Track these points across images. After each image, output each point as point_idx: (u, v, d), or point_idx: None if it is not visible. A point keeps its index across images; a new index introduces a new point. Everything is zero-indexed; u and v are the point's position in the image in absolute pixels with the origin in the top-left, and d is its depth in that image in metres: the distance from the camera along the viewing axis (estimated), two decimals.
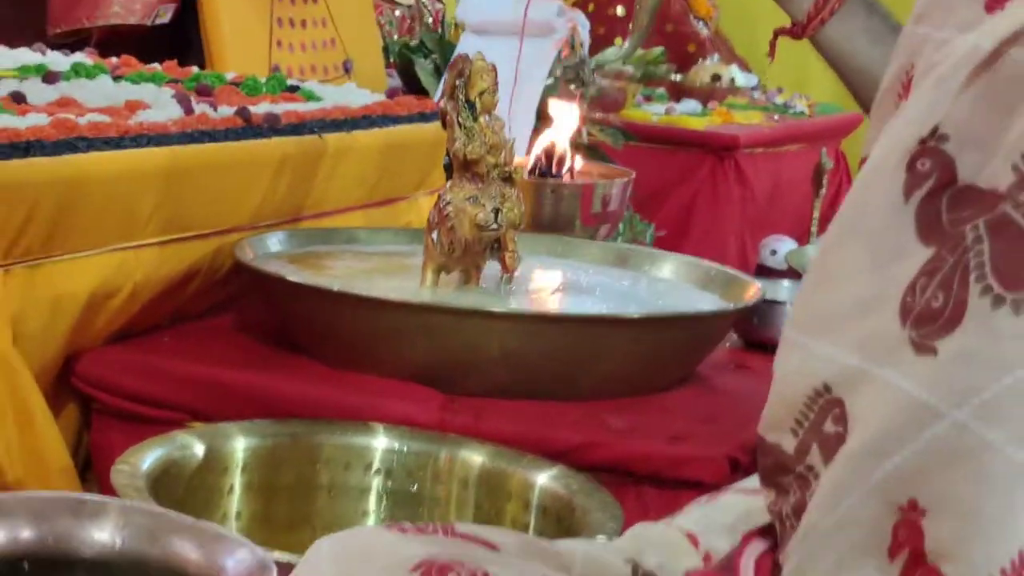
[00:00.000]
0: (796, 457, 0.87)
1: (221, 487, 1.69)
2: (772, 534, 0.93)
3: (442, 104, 2.00)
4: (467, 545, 1.09)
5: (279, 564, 1.20)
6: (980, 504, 0.76)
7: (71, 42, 3.47)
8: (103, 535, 0.89)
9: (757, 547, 0.96)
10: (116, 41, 3.49)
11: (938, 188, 0.81)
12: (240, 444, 1.69)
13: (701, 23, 5.44)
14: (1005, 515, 0.75)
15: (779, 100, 4.81)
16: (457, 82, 1.99)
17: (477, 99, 1.99)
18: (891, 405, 0.79)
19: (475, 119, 1.98)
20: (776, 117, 4.46)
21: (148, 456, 1.59)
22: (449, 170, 2.01)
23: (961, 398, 0.76)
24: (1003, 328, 0.76)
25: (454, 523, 1.15)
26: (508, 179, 2.01)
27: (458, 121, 1.98)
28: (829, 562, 0.81)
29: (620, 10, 5.40)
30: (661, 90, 4.61)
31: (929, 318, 0.78)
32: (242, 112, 2.17)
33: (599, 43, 5.29)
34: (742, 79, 5.19)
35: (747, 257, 3.95)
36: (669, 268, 2.22)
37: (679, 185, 3.91)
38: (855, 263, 0.84)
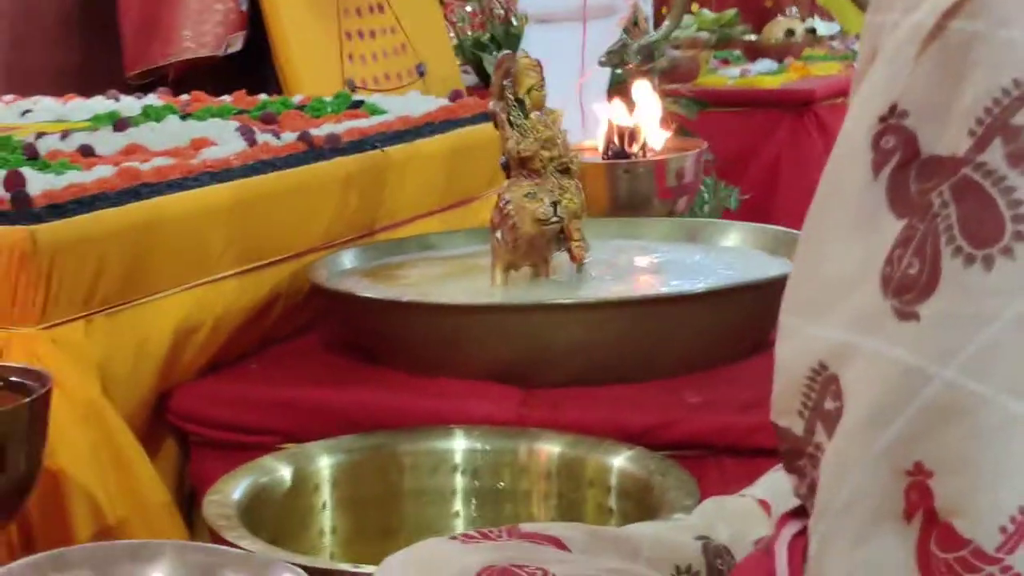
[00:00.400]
0: (805, 438, 0.89)
1: (313, 505, 1.75)
2: (805, 514, 0.96)
3: (491, 105, 2.04)
4: (529, 546, 1.13)
5: None
6: (980, 457, 0.78)
7: (150, 81, 3.57)
8: None
9: (791, 529, 0.99)
10: (193, 74, 3.58)
11: (904, 162, 0.84)
12: (326, 462, 1.75)
13: None
14: (1005, 465, 0.78)
15: (857, 47, 4.78)
16: (504, 81, 2.03)
17: (526, 96, 2.02)
18: (882, 375, 0.81)
19: (526, 116, 2.02)
20: (856, 64, 4.42)
21: (238, 485, 1.65)
22: (507, 168, 2.04)
23: (947, 357, 0.79)
24: (976, 285, 0.79)
25: (520, 524, 1.19)
26: (565, 171, 2.04)
27: (509, 120, 2.02)
28: (849, 536, 0.84)
29: None
30: (737, 52, 4.61)
31: (908, 286, 0.81)
32: (304, 136, 2.23)
33: (662, 20, 5.31)
34: (823, 28, 5.16)
35: None
36: (737, 237, 2.25)
37: (761, 146, 3.91)
38: (835, 242, 0.87)
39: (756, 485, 1.34)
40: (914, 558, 0.81)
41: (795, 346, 0.90)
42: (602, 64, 2.58)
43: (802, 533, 0.96)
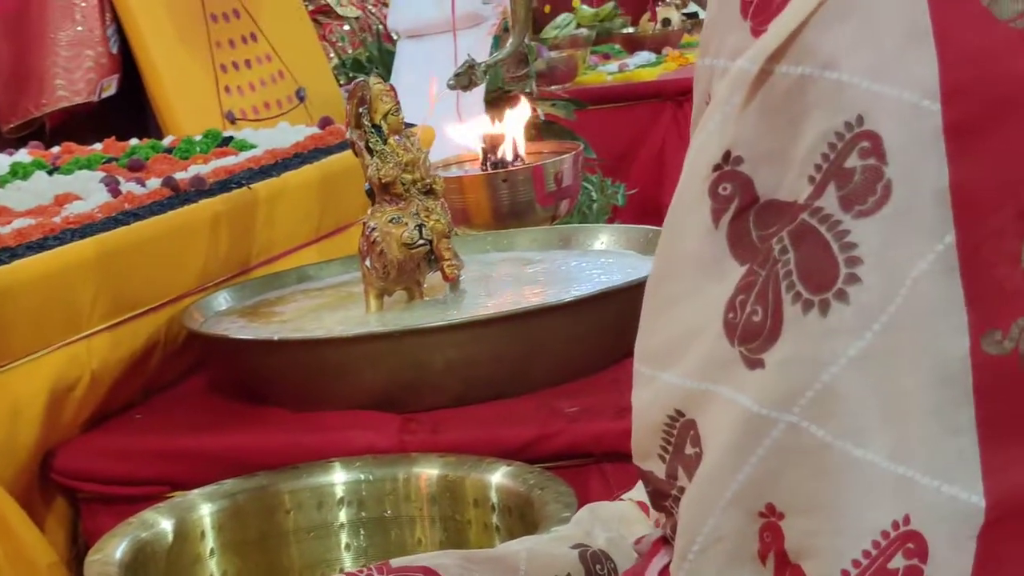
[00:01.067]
0: (668, 481, 0.91)
1: (200, 554, 1.74)
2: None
3: (348, 134, 2.04)
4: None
5: None
6: (824, 499, 0.80)
7: (30, 132, 3.55)
8: None
9: (661, 560, 1.00)
10: (72, 122, 3.56)
11: (743, 208, 0.85)
12: (207, 509, 1.75)
13: None
14: (847, 508, 0.80)
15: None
16: (360, 109, 2.04)
17: (383, 121, 2.03)
18: (732, 420, 0.83)
19: (384, 141, 2.03)
20: None
21: (120, 543, 1.65)
22: (371, 196, 2.05)
23: (789, 402, 0.80)
24: (814, 330, 0.80)
25: (391, 560, 1.20)
26: (430, 192, 2.05)
27: (368, 147, 2.02)
28: None
29: None
30: (617, 46, 4.64)
31: (753, 333, 0.82)
32: (168, 181, 2.22)
33: (558, 8, 5.34)
34: (703, 13, 5.20)
35: None
36: (609, 239, 2.27)
37: (645, 139, 3.94)
38: (681, 291, 0.88)
39: (635, 488, 1.35)
40: None
41: (650, 394, 0.91)
42: (451, 87, 2.59)
43: (668, 568, 0.97)
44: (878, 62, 0.80)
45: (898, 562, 0.79)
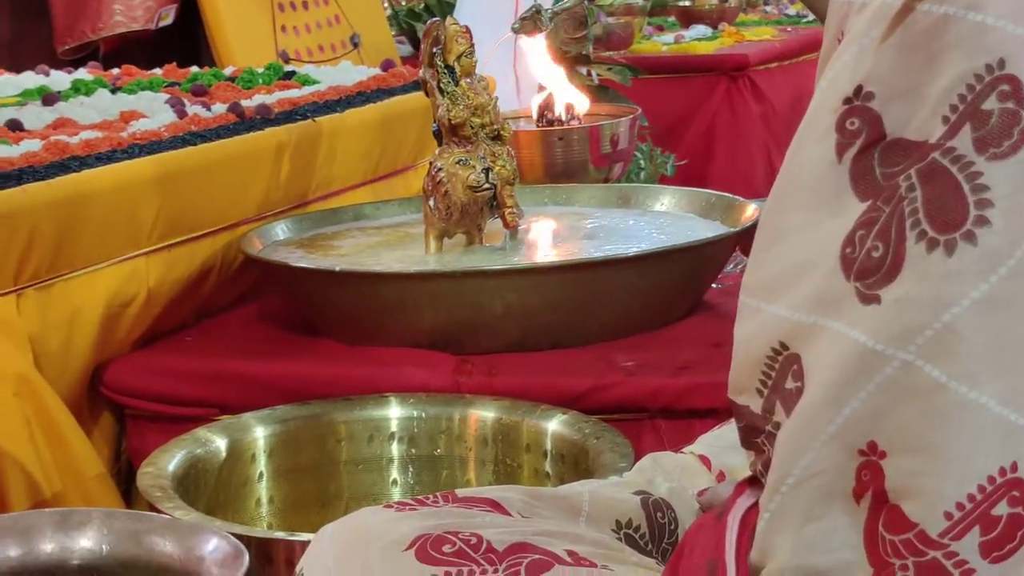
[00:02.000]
0: (763, 416, 0.90)
1: (250, 475, 1.75)
2: (761, 486, 0.97)
3: (421, 73, 2.03)
4: (464, 511, 1.14)
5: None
6: (932, 439, 0.79)
7: (82, 56, 3.54)
8: (89, 543, 0.94)
9: (746, 501, 1.00)
10: (125, 49, 3.56)
11: (869, 144, 0.84)
12: (261, 432, 1.75)
13: None
14: (955, 450, 0.79)
15: (791, 11, 4.81)
16: (434, 49, 2.02)
17: (456, 63, 2.02)
18: (842, 355, 0.82)
19: (456, 83, 2.02)
20: (789, 29, 4.45)
21: (173, 457, 1.65)
22: (439, 136, 2.04)
23: (906, 340, 0.80)
24: (938, 269, 0.79)
25: (456, 490, 1.19)
26: (497, 137, 2.05)
27: (439, 87, 2.01)
28: (799, 512, 0.85)
29: None
30: (672, 18, 4.62)
31: (871, 268, 0.82)
32: (234, 107, 2.22)
33: None
34: None
35: (775, 172, 3.95)
36: (669, 201, 2.26)
37: (697, 112, 3.92)
38: (796, 224, 0.88)
39: (696, 443, 1.35)
40: (862, 538, 0.82)
41: (755, 326, 0.90)
42: (515, 31, 2.57)
43: (755, 506, 0.96)
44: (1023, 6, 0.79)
45: (1002, 509, 0.78)
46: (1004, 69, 0.79)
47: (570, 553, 1.08)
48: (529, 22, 2.60)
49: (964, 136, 0.80)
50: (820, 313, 0.84)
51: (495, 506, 1.16)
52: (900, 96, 0.83)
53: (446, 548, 1.03)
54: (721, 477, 1.28)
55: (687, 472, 1.28)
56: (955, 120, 0.80)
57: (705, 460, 1.30)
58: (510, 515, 1.15)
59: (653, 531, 1.21)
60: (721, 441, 1.34)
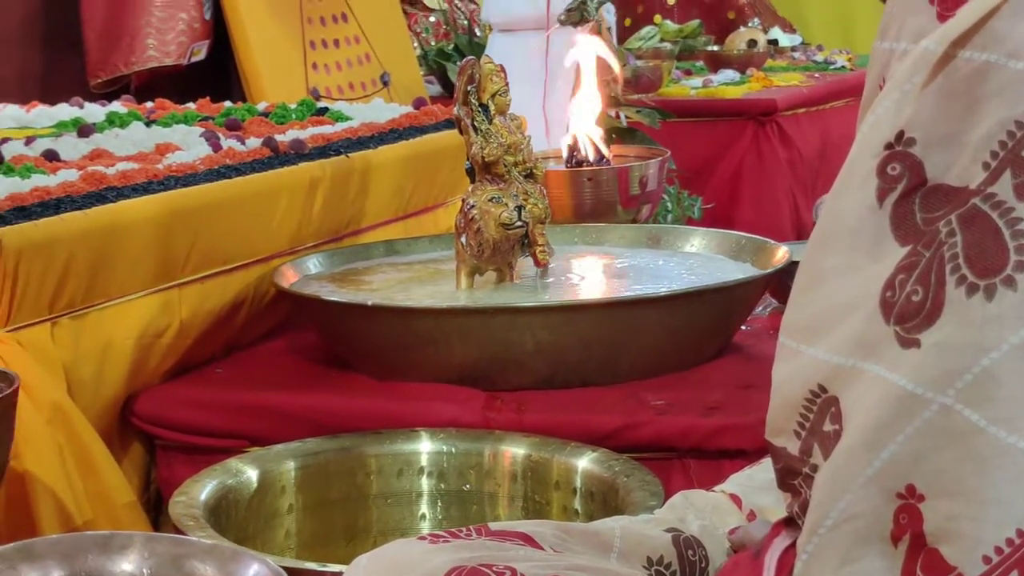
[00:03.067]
0: (801, 458, 0.91)
1: (279, 508, 1.75)
2: (797, 527, 0.97)
3: (456, 111, 2.05)
4: (497, 544, 1.14)
5: None
6: (971, 484, 0.80)
7: (114, 90, 3.57)
8: (130, 567, 0.95)
9: (783, 541, 1.00)
10: (157, 83, 3.59)
11: (910, 190, 0.85)
12: (292, 464, 1.75)
13: None
14: (994, 494, 0.79)
15: (819, 58, 4.82)
16: (468, 87, 2.04)
17: (490, 101, 2.04)
18: (881, 398, 0.83)
19: (490, 121, 2.03)
20: (817, 75, 4.46)
21: (205, 486, 1.66)
22: (472, 174, 2.05)
23: (945, 383, 0.80)
24: (977, 314, 0.80)
25: (489, 523, 1.20)
26: (530, 175, 2.06)
27: (473, 125, 2.03)
28: (836, 555, 0.85)
29: None
30: (700, 63, 4.64)
31: (911, 313, 0.82)
32: (268, 142, 2.23)
33: (638, 22, 5.34)
34: (785, 40, 5.20)
35: (801, 218, 3.97)
36: (700, 242, 2.26)
37: (724, 155, 3.93)
38: (837, 267, 0.89)
39: (727, 482, 1.35)
40: None
41: (794, 368, 0.91)
42: (562, 23, 2.59)
43: (792, 547, 0.96)
44: None
45: None
46: None
47: None
48: (575, 12, 2.62)
49: (1004, 182, 0.81)
50: (859, 356, 0.85)
51: (528, 540, 1.17)
52: (941, 142, 0.84)
53: None
54: (752, 516, 1.28)
55: (718, 511, 1.28)
56: (996, 166, 0.81)
57: (736, 499, 1.30)
58: (542, 549, 1.15)
59: (684, 568, 1.21)
60: (752, 481, 1.34)
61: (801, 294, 0.93)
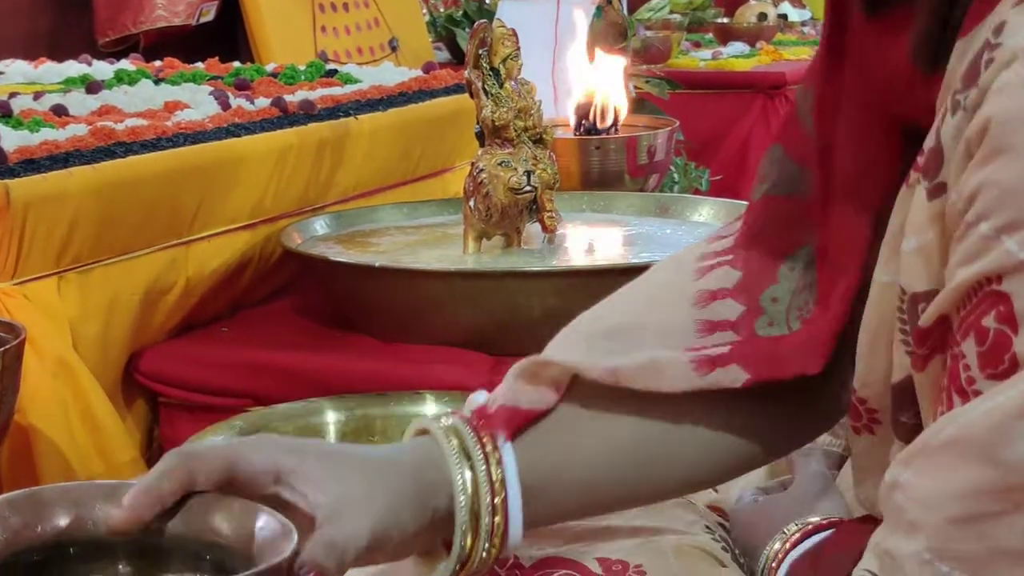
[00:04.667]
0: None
1: None
2: None
3: (467, 74, 2.04)
4: None
5: None
6: None
7: (122, 49, 3.56)
8: None
9: None
10: (165, 43, 3.57)
11: None
12: (296, 424, 1.74)
13: None
14: None
15: None
16: (480, 50, 2.03)
17: (501, 65, 2.03)
18: None
19: (501, 85, 2.02)
20: None
21: (207, 442, 1.65)
22: (481, 138, 2.05)
23: None
24: None
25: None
26: (539, 141, 2.05)
27: (484, 88, 2.02)
28: None
29: None
30: (709, 35, 4.62)
31: None
32: (277, 102, 2.22)
33: (638, 3, 5.32)
34: (795, 15, 5.18)
35: None
36: (708, 212, 2.26)
37: (732, 128, 3.93)
38: None
39: None
40: None
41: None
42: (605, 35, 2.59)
43: None
44: None
45: None
46: None
47: (600, 561, 1.07)
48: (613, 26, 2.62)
49: None
50: None
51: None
52: None
53: None
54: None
55: None
56: None
57: None
58: None
59: None
60: None
61: None
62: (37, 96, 2.27)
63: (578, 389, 1.04)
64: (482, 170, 2.00)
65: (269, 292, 2.21)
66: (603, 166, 2.78)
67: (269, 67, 2.75)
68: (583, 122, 2.81)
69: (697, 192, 3.50)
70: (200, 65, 2.79)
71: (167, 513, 0.91)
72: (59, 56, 3.00)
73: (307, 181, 2.20)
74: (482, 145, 2.04)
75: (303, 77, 2.58)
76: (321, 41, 3.66)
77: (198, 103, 2.22)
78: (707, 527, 1.16)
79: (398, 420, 1.79)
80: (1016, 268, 0.75)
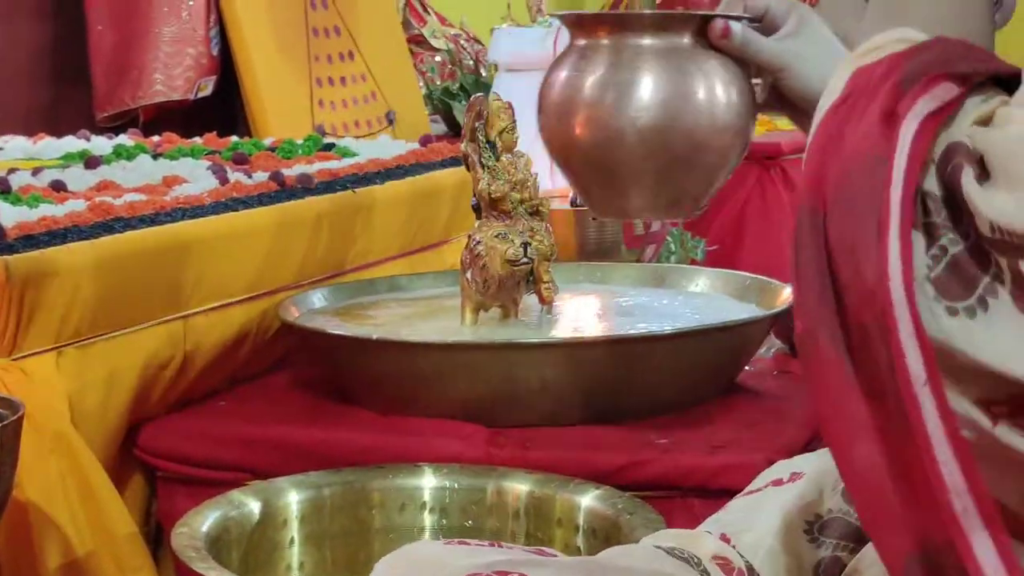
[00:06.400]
0: None
1: (281, 540, 1.75)
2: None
3: (463, 147, 2.05)
4: (509, 550, 1.14)
5: None
6: None
7: (120, 124, 3.58)
8: None
9: (926, 105, 0.89)
10: (163, 118, 3.59)
11: None
12: (294, 497, 1.75)
13: None
14: None
15: None
16: (476, 124, 2.05)
17: (497, 138, 2.04)
18: None
19: (497, 158, 2.04)
20: None
21: (207, 518, 1.65)
22: (478, 210, 2.06)
23: None
24: None
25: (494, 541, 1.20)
26: (536, 213, 2.06)
27: (480, 162, 2.03)
28: None
29: None
30: None
31: None
32: (275, 176, 2.24)
33: None
34: None
35: None
36: (705, 282, 2.27)
37: (728, 198, 3.94)
38: None
39: (708, 520, 1.35)
40: None
41: None
42: None
43: (942, 112, 0.87)
44: None
45: None
46: None
47: None
48: None
49: None
50: None
51: (539, 552, 1.17)
52: None
53: None
54: (726, 539, 1.28)
55: (697, 540, 1.27)
56: None
57: (724, 538, 1.29)
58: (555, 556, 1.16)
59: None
60: (727, 513, 1.34)
61: None
62: (36, 172, 2.28)
63: None
64: (479, 242, 2.01)
65: (267, 365, 2.21)
66: (600, 237, 2.80)
67: (267, 141, 2.77)
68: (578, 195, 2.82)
69: (694, 262, 3.51)
70: (198, 140, 2.81)
71: None
72: (57, 130, 3.02)
73: (305, 254, 2.21)
74: (479, 217, 2.05)
75: (300, 151, 2.60)
76: (319, 115, 3.69)
77: (196, 178, 2.23)
78: None
79: (396, 493, 1.80)
80: None
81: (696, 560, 1.20)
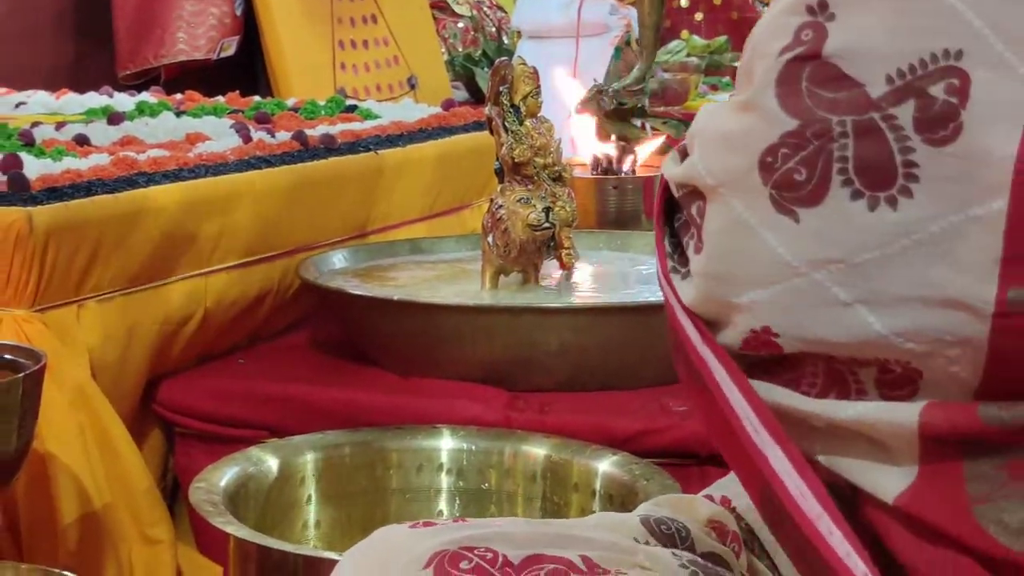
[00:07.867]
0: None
1: (298, 498, 1.75)
2: None
3: (487, 110, 2.05)
4: (478, 523, 1.14)
5: None
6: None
7: (142, 82, 3.58)
8: None
9: None
10: (185, 77, 3.60)
11: (805, 56, 0.85)
12: (312, 456, 1.75)
13: (766, 7, 5.44)
14: None
15: None
16: (501, 88, 2.04)
17: (521, 103, 2.03)
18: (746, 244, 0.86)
19: (521, 122, 2.03)
20: None
21: (225, 474, 1.65)
22: (500, 175, 2.05)
23: (820, 264, 0.83)
24: (857, 218, 0.82)
25: (465, 517, 1.20)
26: (558, 179, 2.05)
27: (504, 125, 2.03)
28: None
29: (684, 1, 5.42)
30: (727, 78, 4.63)
31: (791, 186, 0.84)
32: (298, 136, 2.24)
33: (665, 36, 5.33)
34: None
35: None
36: None
37: None
38: (736, 91, 0.90)
39: (712, 486, 1.34)
40: None
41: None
42: (579, 113, 2.61)
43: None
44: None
45: None
46: (959, 61, 0.80)
47: (584, 559, 1.08)
48: (592, 102, 2.63)
49: (906, 110, 0.82)
50: (728, 186, 0.87)
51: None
52: (857, 30, 0.83)
53: (463, 564, 1.03)
54: (726, 502, 1.27)
55: (693, 505, 1.26)
56: (900, 87, 0.82)
57: (709, 496, 1.29)
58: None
59: (663, 543, 1.20)
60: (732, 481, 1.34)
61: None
62: (59, 126, 2.28)
63: None
64: (501, 206, 2.00)
65: (287, 324, 2.21)
66: (620, 206, 2.79)
67: (289, 102, 2.77)
68: (600, 162, 2.82)
69: None
70: (221, 99, 2.81)
71: None
72: (80, 88, 3.02)
73: (326, 215, 2.21)
74: (501, 182, 2.05)
75: (323, 112, 2.59)
76: (340, 78, 3.68)
77: (219, 135, 2.23)
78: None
79: (413, 454, 1.80)
80: None
81: (683, 534, 1.20)
